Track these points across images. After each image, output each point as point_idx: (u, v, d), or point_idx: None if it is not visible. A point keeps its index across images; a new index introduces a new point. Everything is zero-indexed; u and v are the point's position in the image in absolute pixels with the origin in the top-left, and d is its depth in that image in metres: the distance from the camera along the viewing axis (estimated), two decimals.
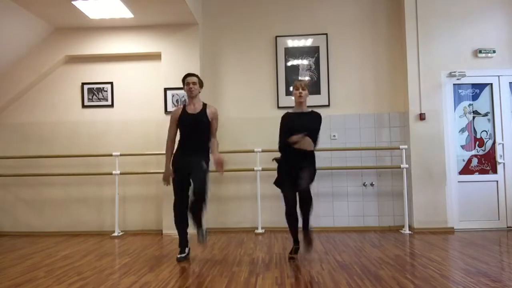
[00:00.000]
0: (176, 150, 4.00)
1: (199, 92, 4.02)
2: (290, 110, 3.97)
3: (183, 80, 4.01)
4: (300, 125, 3.72)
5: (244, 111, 5.71)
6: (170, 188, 5.38)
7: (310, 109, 3.92)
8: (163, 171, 5.35)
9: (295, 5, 5.73)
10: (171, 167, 3.96)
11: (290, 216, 3.75)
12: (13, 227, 5.68)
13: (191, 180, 3.80)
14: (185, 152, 3.89)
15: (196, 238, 3.75)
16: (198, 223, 3.67)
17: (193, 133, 3.90)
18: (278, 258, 3.88)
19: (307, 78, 5.62)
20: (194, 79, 3.97)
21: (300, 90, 3.80)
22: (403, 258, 3.79)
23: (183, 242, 3.96)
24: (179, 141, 3.99)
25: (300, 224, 3.72)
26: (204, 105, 4.01)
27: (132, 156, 5.53)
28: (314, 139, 3.73)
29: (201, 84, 4.05)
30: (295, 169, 3.69)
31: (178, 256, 3.91)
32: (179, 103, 5.47)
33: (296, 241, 3.85)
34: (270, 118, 5.56)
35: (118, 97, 5.77)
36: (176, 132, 4.02)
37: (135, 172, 5.54)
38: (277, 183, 3.89)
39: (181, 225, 3.93)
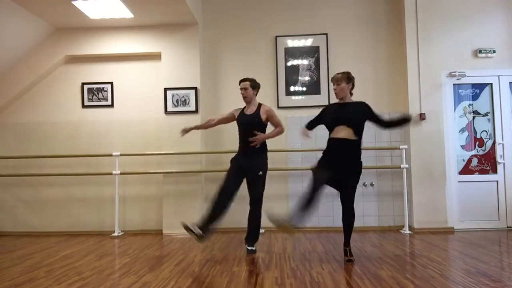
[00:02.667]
0: (237, 152, 4.22)
1: (255, 95, 4.20)
2: (335, 101, 3.93)
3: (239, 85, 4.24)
4: (341, 114, 3.68)
5: None
6: (170, 188, 5.43)
7: (354, 100, 3.80)
8: (163, 171, 5.40)
9: (295, 5, 5.73)
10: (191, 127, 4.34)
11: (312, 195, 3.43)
12: (13, 227, 5.68)
13: (248, 191, 4.14)
14: (243, 153, 4.14)
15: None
16: (255, 232, 4.15)
17: (247, 132, 4.09)
18: (278, 258, 3.88)
19: (307, 75, 5.62)
20: (246, 84, 4.16)
21: (335, 86, 3.75)
22: (403, 258, 3.79)
23: (207, 223, 3.95)
24: (239, 143, 4.21)
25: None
26: (259, 105, 4.17)
27: (132, 156, 5.53)
28: (359, 130, 3.66)
29: (254, 87, 4.19)
30: (339, 166, 3.59)
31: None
32: (179, 103, 5.47)
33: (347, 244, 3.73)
34: None
35: (118, 97, 5.77)
36: (223, 121, 4.32)
37: (135, 172, 5.54)
38: (314, 172, 3.66)
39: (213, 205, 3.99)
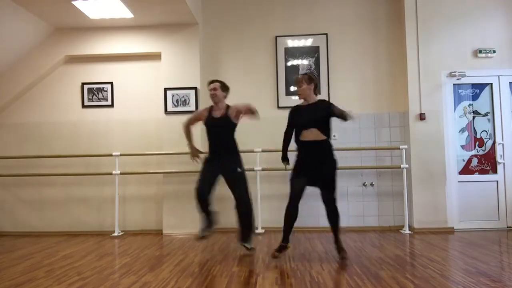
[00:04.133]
0: (207, 154, 4.16)
1: (225, 97, 4.14)
2: (299, 103, 3.99)
3: (207, 86, 4.17)
4: (305, 117, 3.78)
5: None
6: (170, 188, 5.42)
7: (318, 99, 3.88)
8: (163, 171, 5.40)
9: (295, 5, 5.73)
10: (195, 146, 4.22)
11: (290, 212, 3.79)
12: (13, 227, 5.68)
13: (232, 192, 4.03)
14: (215, 155, 4.07)
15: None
16: (249, 230, 4.08)
17: (218, 136, 4.07)
18: (278, 258, 3.88)
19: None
20: (215, 84, 4.11)
21: (297, 88, 3.87)
22: (403, 258, 3.79)
23: (208, 221, 4.05)
24: (208, 145, 4.13)
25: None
26: (227, 107, 4.11)
27: (132, 156, 5.53)
28: (325, 129, 3.76)
29: (224, 88, 4.15)
30: (313, 169, 3.74)
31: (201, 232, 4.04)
32: (179, 103, 5.47)
33: (285, 239, 3.85)
34: (270, 118, 5.55)
35: (118, 97, 5.77)
36: (195, 121, 4.24)
37: (135, 172, 5.54)
38: (293, 169, 3.87)
39: (203, 210, 4.05)
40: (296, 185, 3.78)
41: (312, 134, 3.74)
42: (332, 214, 3.74)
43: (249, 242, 4.14)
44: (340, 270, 3.41)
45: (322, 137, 3.74)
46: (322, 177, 3.73)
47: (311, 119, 3.75)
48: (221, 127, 4.05)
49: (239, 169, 4.02)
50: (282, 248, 3.86)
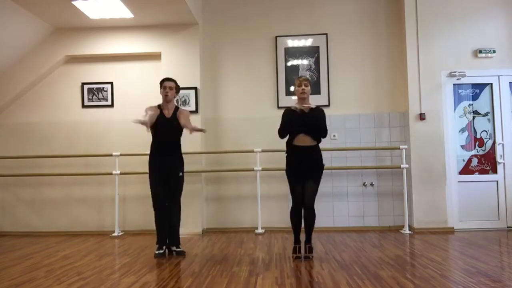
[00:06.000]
0: (150, 152, 4.15)
1: (175, 97, 4.20)
2: (292, 106, 3.97)
3: (161, 83, 4.16)
4: (303, 121, 3.77)
5: (244, 111, 5.71)
6: None
7: (313, 105, 3.90)
8: None
9: (295, 5, 5.73)
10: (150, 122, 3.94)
11: (296, 214, 3.81)
12: (13, 227, 5.68)
13: (168, 193, 4.09)
14: (159, 153, 4.09)
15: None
16: (178, 233, 4.12)
17: (165, 135, 4.09)
18: (278, 258, 3.88)
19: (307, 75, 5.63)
20: (171, 84, 4.14)
21: (303, 87, 3.84)
22: (403, 258, 3.79)
23: (162, 239, 4.09)
24: (152, 142, 4.14)
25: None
26: (177, 108, 4.17)
27: (132, 156, 5.53)
28: (320, 134, 3.81)
29: (177, 90, 4.21)
30: (303, 171, 3.77)
31: (156, 252, 4.06)
32: (179, 103, 5.47)
33: (297, 240, 3.87)
34: (270, 118, 5.55)
35: (118, 97, 5.76)
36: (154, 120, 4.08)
37: (135, 172, 5.54)
38: (287, 175, 3.88)
39: (160, 223, 4.08)
40: (297, 190, 3.78)
41: (307, 140, 3.78)
42: (311, 216, 3.77)
43: (177, 245, 4.14)
44: (340, 270, 3.41)
45: (314, 142, 3.81)
46: (309, 182, 3.75)
47: (310, 126, 3.77)
48: (171, 128, 4.08)
49: (181, 174, 4.12)
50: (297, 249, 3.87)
